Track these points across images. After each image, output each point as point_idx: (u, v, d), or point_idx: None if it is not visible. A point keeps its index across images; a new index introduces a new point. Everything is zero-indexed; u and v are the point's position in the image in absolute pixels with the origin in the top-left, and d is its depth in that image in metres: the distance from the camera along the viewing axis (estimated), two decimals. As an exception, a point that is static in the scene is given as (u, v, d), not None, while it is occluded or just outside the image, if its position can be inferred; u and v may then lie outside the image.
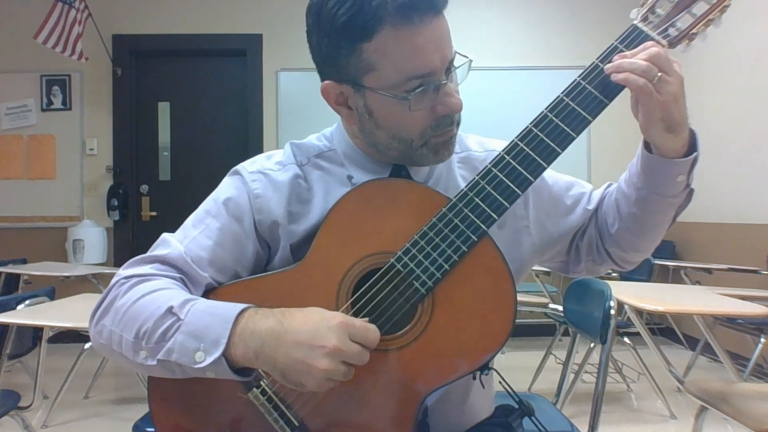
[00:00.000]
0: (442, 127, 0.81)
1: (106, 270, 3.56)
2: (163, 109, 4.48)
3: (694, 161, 0.80)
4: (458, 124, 0.85)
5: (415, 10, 0.72)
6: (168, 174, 4.47)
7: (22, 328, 2.01)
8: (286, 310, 0.72)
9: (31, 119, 4.32)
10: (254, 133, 4.38)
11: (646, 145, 0.81)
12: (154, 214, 4.43)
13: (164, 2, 4.41)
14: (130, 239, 4.36)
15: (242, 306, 0.73)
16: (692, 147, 0.80)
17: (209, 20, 4.39)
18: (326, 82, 0.82)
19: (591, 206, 0.96)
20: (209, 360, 0.69)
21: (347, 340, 0.68)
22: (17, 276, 3.43)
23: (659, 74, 0.72)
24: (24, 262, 3.64)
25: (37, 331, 2.17)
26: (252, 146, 4.35)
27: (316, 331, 0.68)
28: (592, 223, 0.97)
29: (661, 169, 0.80)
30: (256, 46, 4.39)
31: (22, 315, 1.92)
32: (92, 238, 4.15)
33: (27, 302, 2.01)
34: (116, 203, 4.25)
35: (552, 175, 0.97)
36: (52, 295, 2.19)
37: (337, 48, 0.77)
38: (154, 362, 0.72)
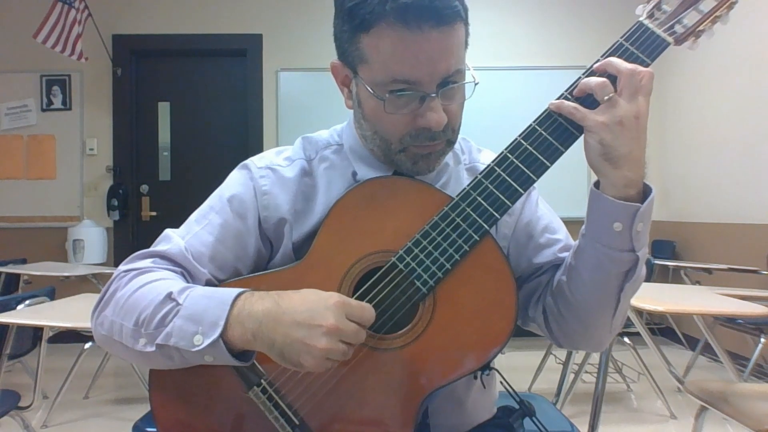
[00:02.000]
0: (422, 140, 0.79)
1: (106, 270, 3.55)
2: (163, 109, 4.48)
3: (635, 213, 0.71)
4: (451, 144, 0.83)
5: (412, 15, 0.72)
6: (168, 174, 4.46)
7: (22, 328, 2.01)
8: (282, 292, 0.72)
9: (31, 119, 4.32)
10: (254, 133, 4.38)
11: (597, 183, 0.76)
12: (154, 214, 4.42)
13: (164, 2, 4.41)
14: (130, 239, 4.35)
15: (240, 289, 0.73)
16: (642, 201, 0.73)
17: (209, 20, 4.39)
18: (336, 61, 0.84)
19: (560, 255, 0.89)
20: (207, 342, 0.69)
21: (344, 319, 0.68)
22: (17, 276, 3.42)
23: (611, 95, 0.70)
24: (24, 262, 3.64)
25: (37, 331, 2.17)
26: (252, 146, 4.35)
27: (314, 311, 0.68)
28: (548, 273, 0.90)
29: (598, 207, 0.74)
30: (256, 46, 4.39)
31: (22, 315, 1.91)
32: (92, 238, 4.15)
33: (27, 302, 2.01)
34: (116, 203, 4.25)
35: (544, 210, 0.94)
36: (52, 295, 2.18)
37: (342, 32, 0.80)
38: (153, 348, 0.72)
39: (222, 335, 0.69)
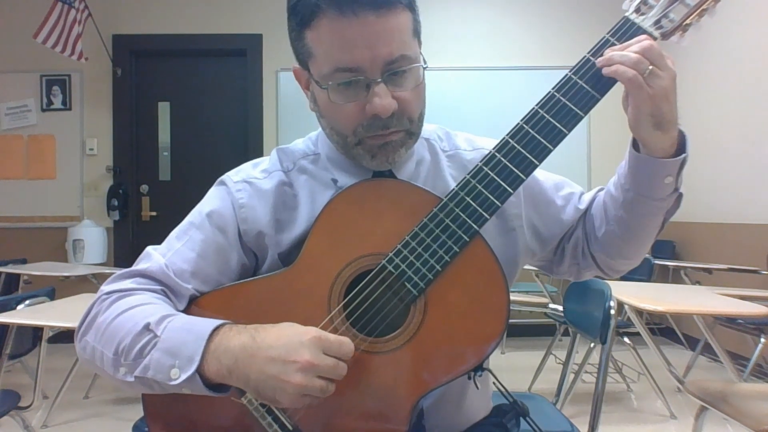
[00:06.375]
0: (374, 129, 0.78)
1: (106, 270, 3.55)
2: (163, 109, 4.49)
3: (683, 162, 0.78)
4: (411, 135, 0.82)
5: (345, 2, 0.72)
6: (168, 174, 4.47)
7: (22, 328, 2.01)
8: (260, 326, 0.72)
9: (31, 119, 4.32)
10: (254, 133, 4.38)
11: (635, 144, 0.80)
12: (154, 214, 4.43)
13: (164, 2, 4.41)
14: (130, 239, 4.36)
15: (217, 322, 0.73)
16: (681, 148, 0.78)
17: (209, 20, 4.39)
18: (296, 65, 0.85)
19: (582, 206, 0.95)
20: (183, 377, 0.69)
21: (321, 354, 0.68)
22: (17, 276, 3.43)
23: (650, 67, 0.71)
24: (24, 262, 3.65)
25: (37, 331, 2.17)
26: (252, 146, 4.35)
27: (289, 347, 0.68)
28: (579, 226, 0.95)
29: (649, 169, 0.78)
30: (256, 46, 4.39)
31: (22, 315, 1.92)
32: (92, 238, 4.16)
33: (27, 302, 2.01)
34: (116, 203, 4.26)
35: (542, 174, 0.96)
36: (52, 295, 2.19)
37: (291, 32, 0.81)
38: (133, 378, 0.72)
39: (198, 370, 0.69)
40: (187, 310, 0.82)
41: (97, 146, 4.36)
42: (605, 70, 0.74)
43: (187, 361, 0.69)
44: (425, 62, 0.80)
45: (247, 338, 0.70)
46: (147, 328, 0.72)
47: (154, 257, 0.83)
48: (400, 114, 0.79)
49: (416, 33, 0.80)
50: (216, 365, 0.69)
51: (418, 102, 0.81)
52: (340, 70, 0.76)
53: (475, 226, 0.75)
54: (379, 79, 0.75)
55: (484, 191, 0.75)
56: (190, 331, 0.72)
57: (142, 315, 0.74)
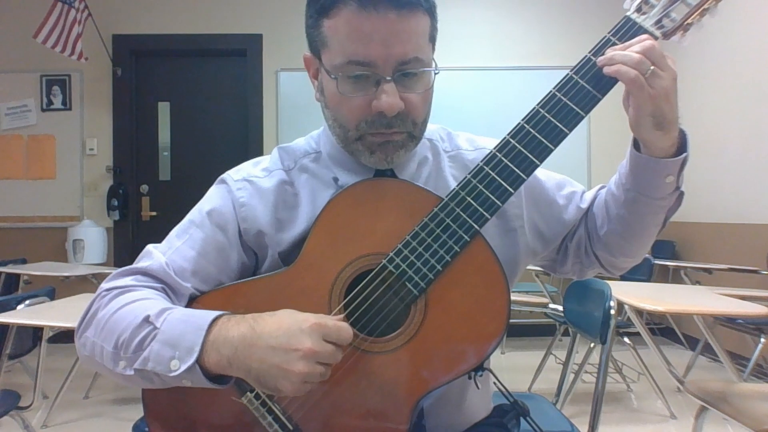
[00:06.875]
0: (377, 126, 0.79)
1: (106, 270, 3.55)
2: (163, 109, 4.49)
3: (684, 162, 0.78)
4: (413, 138, 0.82)
5: None
6: (168, 174, 4.47)
7: (22, 328, 2.01)
8: (258, 316, 0.72)
9: (31, 119, 4.32)
10: (254, 133, 4.38)
11: (636, 144, 0.80)
12: (154, 214, 4.43)
13: (164, 2, 4.41)
14: (130, 239, 4.36)
15: (216, 313, 0.73)
16: (682, 148, 0.79)
17: (209, 20, 4.39)
18: (307, 53, 0.85)
19: (584, 205, 0.95)
20: (183, 368, 0.69)
21: (321, 341, 0.68)
22: (17, 276, 3.43)
23: (652, 68, 0.71)
24: (24, 262, 3.64)
25: (37, 331, 2.17)
26: (252, 146, 4.35)
27: (290, 335, 0.68)
28: (582, 224, 0.96)
29: (650, 168, 0.78)
30: (256, 46, 4.39)
31: (22, 315, 1.92)
32: (92, 238, 4.15)
33: (27, 302, 2.01)
34: (116, 203, 4.26)
35: (544, 173, 0.97)
36: (52, 295, 2.19)
37: (308, 18, 0.81)
38: (132, 372, 0.72)
39: (198, 361, 0.69)
40: None
41: (97, 146, 4.36)
42: (606, 70, 0.74)
43: (187, 352, 0.69)
44: (437, 68, 0.80)
45: (246, 328, 0.70)
46: (146, 320, 0.72)
47: (154, 255, 0.83)
48: (405, 115, 0.79)
49: (432, 39, 0.81)
50: (216, 356, 0.69)
51: (424, 106, 0.82)
52: (352, 63, 0.76)
53: (475, 226, 0.75)
54: (389, 78, 0.76)
55: (484, 191, 0.75)
56: (188, 322, 0.72)
57: (142, 308, 0.74)
